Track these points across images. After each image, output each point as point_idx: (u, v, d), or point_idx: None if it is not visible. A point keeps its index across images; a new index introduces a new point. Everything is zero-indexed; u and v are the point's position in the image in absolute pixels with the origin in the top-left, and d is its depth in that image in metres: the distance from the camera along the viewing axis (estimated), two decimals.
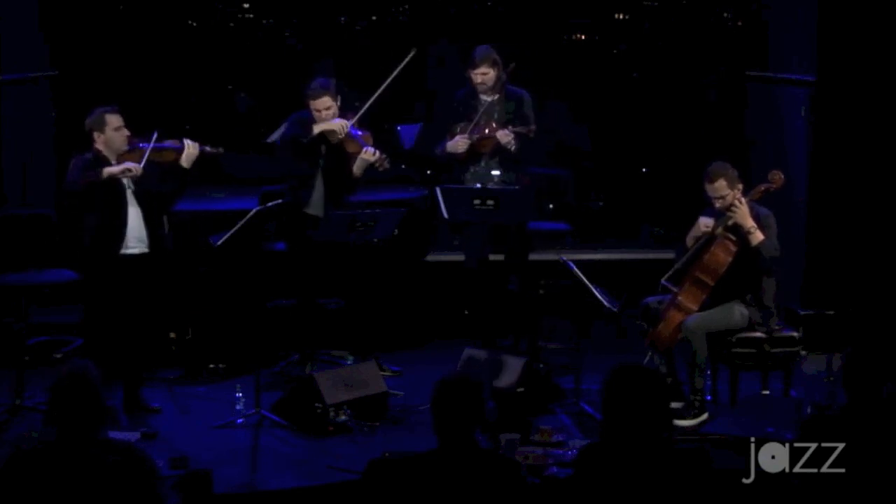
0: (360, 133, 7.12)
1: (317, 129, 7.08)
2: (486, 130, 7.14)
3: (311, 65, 8.70)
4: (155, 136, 6.52)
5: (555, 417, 6.57)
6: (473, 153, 7.21)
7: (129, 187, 6.51)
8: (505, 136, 7.09)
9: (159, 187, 6.56)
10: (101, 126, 6.46)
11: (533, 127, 7.17)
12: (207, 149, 6.68)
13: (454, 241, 8.60)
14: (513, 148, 7.11)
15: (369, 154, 7.06)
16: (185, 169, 6.59)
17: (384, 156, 7.11)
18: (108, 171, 6.38)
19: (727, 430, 6.08)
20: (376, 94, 7.16)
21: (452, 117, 7.27)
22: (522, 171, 7.27)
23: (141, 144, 6.50)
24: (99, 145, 6.48)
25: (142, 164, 6.40)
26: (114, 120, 6.46)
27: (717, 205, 6.45)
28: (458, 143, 7.17)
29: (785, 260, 6.52)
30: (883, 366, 4.40)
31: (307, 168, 7.19)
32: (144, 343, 6.69)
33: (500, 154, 7.19)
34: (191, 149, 6.59)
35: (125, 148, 6.49)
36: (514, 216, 6.98)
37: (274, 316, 7.48)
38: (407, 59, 7.22)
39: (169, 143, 6.59)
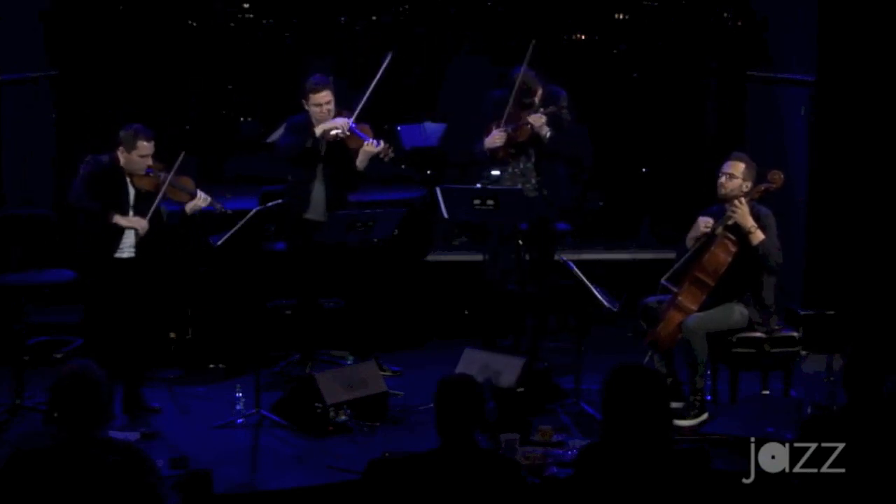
0: (359, 129, 7.12)
1: (318, 129, 7.08)
2: (519, 119, 7.13)
3: (310, 64, 8.71)
4: (180, 160, 6.57)
5: (555, 417, 6.57)
6: (514, 146, 7.19)
7: (131, 204, 6.57)
8: (538, 120, 7.07)
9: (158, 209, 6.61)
10: (130, 147, 6.52)
11: (564, 104, 7.14)
12: (217, 206, 6.74)
13: (454, 242, 8.61)
14: (547, 134, 7.09)
15: (372, 146, 7.06)
16: (187, 215, 6.66)
17: (388, 146, 7.12)
18: (117, 220, 6.50)
19: (727, 430, 6.08)
20: (367, 94, 7.15)
21: (489, 116, 7.26)
22: (557, 174, 7.28)
23: (159, 174, 6.56)
24: (120, 157, 6.53)
25: (147, 221, 6.51)
26: (144, 147, 6.52)
27: (721, 189, 6.46)
28: (496, 138, 7.16)
29: (785, 260, 6.52)
30: (883, 366, 4.41)
31: (303, 174, 7.19)
32: (144, 343, 6.69)
33: (536, 147, 7.18)
34: (199, 200, 6.66)
35: (142, 173, 6.55)
36: (513, 216, 6.99)
37: (274, 316, 7.49)
38: (386, 63, 7.20)
39: (184, 185, 6.65)
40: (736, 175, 6.45)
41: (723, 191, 6.48)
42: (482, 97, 7.45)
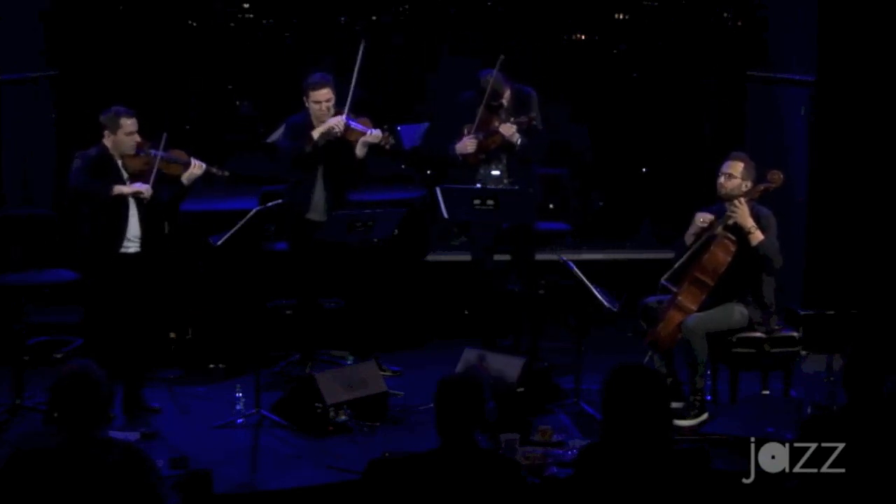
0: (357, 122, 7.12)
1: (315, 133, 7.08)
2: (491, 127, 7.15)
3: (311, 64, 8.70)
4: (164, 141, 6.54)
5: (555, 417, 6.57)
6: (485, 152, 7.20)
7: None
8: (508, 129, 7.09)
9: (157, 194, 6.57)
10: (114, 127, 6.49)
11: (534, 114, 7.15)
12: (214, 170, 6.72)
13: (454, 242, 8.60)
14: (517, 141, 7.10)
15: (370, 136, 7.06)
16: (185, 186, 6.63)
17: (386, 133, 7.12)
18: (118, 189, 6.45)
19: (727, 430, 6.08)
20: (353, 86, 7.12)
21: (461, 119, 7.27)
22: (530, 175, 7.29)
23: (149, 151, 6.52)
24: (107, 142, 6.50)
25: (150, 184, 6.47)
26: (128, 125, 6.49)
27: (721, 189, 6.47)
28: (467, 144, 7.17)
29: (785, 260, 6.52)
30: (883, 366, 4.41)
31: (303, 175, 7.19)
32: (144, 343, 6.69)
33: (508, 153, 7.19)
34: (195, 168, 6.63)
35: (132, 153, 6.51)
36: (513, 216, 7.00)
37: (274, 316, 7.49)
38: (361, 52, 7.15)
39: (176, 156, 6.62)
40: (735, 175, 6.45)
41: (723, 191, 6.49)
42: None
